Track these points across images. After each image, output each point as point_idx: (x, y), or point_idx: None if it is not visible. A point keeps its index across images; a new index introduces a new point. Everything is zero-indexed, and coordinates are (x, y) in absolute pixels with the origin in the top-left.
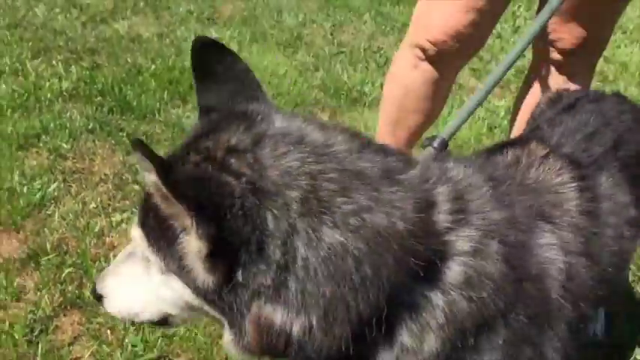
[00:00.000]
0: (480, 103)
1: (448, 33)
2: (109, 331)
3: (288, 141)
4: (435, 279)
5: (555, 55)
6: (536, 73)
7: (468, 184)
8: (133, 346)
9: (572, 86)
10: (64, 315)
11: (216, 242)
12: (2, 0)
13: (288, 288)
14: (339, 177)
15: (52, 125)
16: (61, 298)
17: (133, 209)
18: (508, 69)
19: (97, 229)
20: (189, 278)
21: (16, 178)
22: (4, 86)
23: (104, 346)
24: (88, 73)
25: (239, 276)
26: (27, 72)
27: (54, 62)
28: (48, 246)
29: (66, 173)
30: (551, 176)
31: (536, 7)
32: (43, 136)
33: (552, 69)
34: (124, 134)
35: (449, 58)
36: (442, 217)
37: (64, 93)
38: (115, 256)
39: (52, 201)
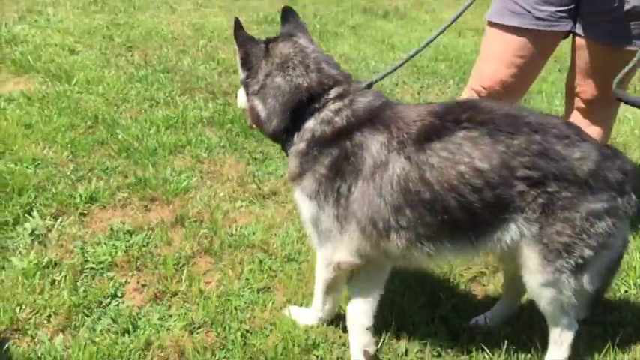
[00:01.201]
0: (406, 61)
1: (495, 81)
2: (230, 270)
3: (291, 43)
4: (315, 111)
5: (580, 104)
6: (567, 119)
7: (363, 96)
8: (247, 279)
9: (595, 129)
10: (200, 257)
11: (243, 61)
12: (159, 52)
13: (262, 94)
14: (302, 62)
15: (194, 140)
16: (198, 247)
17: (251, 199)
18: (432, 40)
19: (224, 209)
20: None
21: (168, 171)
22: (160, 112)
23: (226, 276)
24: (221, 107)
25: (247, 80)
26: (176, 103)
27: (196, 98)
28: (190, 214)
29: (203, 172)
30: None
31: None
32: (188, 147)
33: (578, 115)
34: (247, 152)
35: (497, 99)
36: (333, 92)
37: (204, 119)
38: (239, 228)
39: (193, 189)
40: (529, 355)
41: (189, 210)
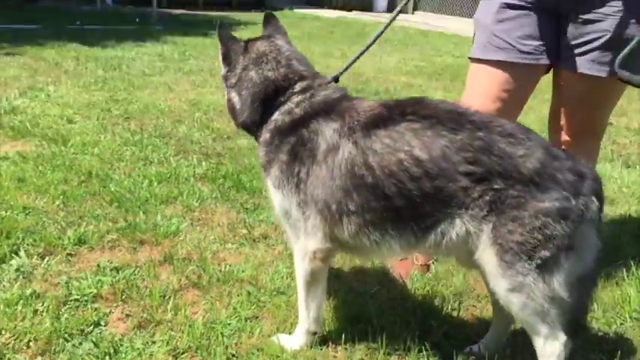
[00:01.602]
0: (360, 55)
1: None
2: (217, 301)
3: (268, 42)
4: (281, 105)
5: (565, 137)
6: None
7: (323, 90)
8: (234, 308)
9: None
10: (187, 290)
11: (224, 56)
12: (155, 121)
13: (239, 86)
14: (275, 58)
15: (186, 192)
16: (186, 281)
17: (242, 241)
18: (378, 37)
19: (214, 249)
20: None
21: (159, 218)
22: (153, 168)
23: (213, 306)
24: (214, 165)
25: (226, 74)
26: (170, 162)
27: (190, 158)
28: (179, 254)
29: (194, 219)
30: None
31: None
32: (180, 197)
33: (563, 148)
34: (238, 202)
35: None
36: (297, 86)
37: (196, 175)
38: (228, 266)
39: (183, 232)
40: None
41: (179, 250)
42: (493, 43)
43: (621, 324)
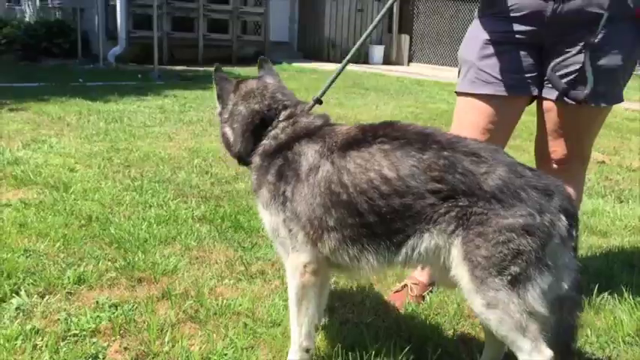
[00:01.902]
0: (338, 74)
1: None
2: (214, 334)
3: (257, 80)
4: (268, 132)
5: (552, 165)
6: None
7: (306, 117)
8: (231, 339)
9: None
10: (184, 323)
11: (218, 96)
12: (155, 169)
13: (230, 120)
14: (261, 93)
15: (184, 232)
16: (184, 315)
17: (239, 277)
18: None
19: (211, 285)
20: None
21: (158, 257)
22: (152, 211)
23: (210, 338)
24: (213, 207)
25: (221, 111)
26: (169, 206)
27: (188, 201)
28: (177, 290)
29: (192, 258)
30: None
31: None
32: (178, 237)
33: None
34: (236, 242)
35: None
36: (282, 115)
37: (195, 217)
38: (225, 300)
39: (181, 270)
40: None
41: (177, 286)
42: (480, 78)
43: (614, 348)
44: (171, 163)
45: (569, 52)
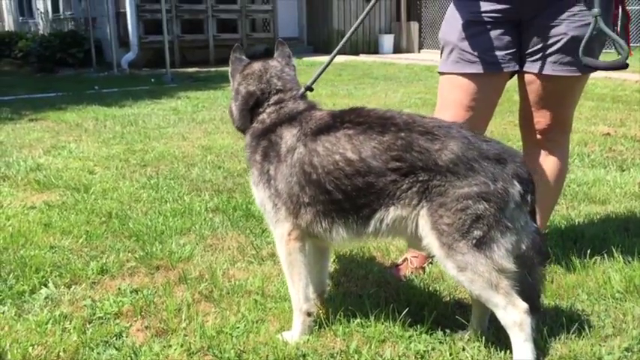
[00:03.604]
0: (328, 65)
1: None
2: (227, 311)
3: (262, 62)
4: (259, 114)
5: (537, 136)
6: (525, 151)
7: (293, 103)
8: (243, 314)
9: (553, 158)
10: (200, 303)
11: (230, 74)
12: (170, 166)
13: (235, 98)
14: (260, 75)
15: (199, 223)
16: (199, 296)
17: (250, 260)
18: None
19: (224, 268)
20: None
21: (174, 246)
22: (167, 206)
23: (224, 313)
24: (226, 199)
25: (231, 87)
26: (183, 200)
27: (202, 195)
28: (192, 274)
29: (206, 246)
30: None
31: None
32: (193, 228)
33: (536, 147)
34: (247, 229)
35: None
36: (272, 99)
37: (208, 208)
38: (237, 281)
39: (196, 257)
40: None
41: (192, 271)
42: (463, 58)
43: (604, 303)
44: (185, 161)
45: (548, 24)
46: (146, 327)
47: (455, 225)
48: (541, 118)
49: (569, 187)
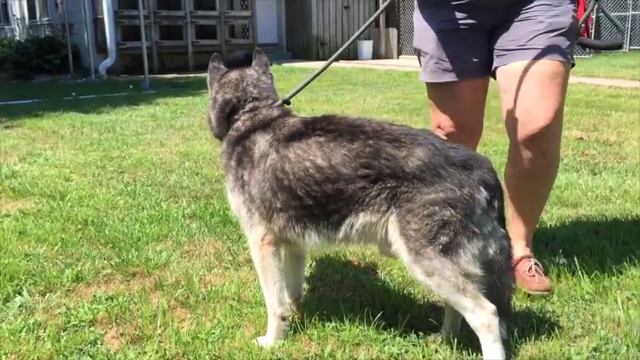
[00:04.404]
0: (314, 78)
1: (450, 125)
2: (203, 317)
3: (239, 71)
4: (235, 121)
5: (528, 133)
6: (513, 153)
7: (267, 110)
8: (218, 320)
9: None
10: (176, 309)
11: (209, 82)
12: (147, 173)
13: (212, 106)
14: (236, 84)
15: (176, 230)
16: (175, 302)
17: (227, 266)
18: (338, 54)
19: (200, 274)
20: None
21: (150, 253)
22: (144, 213)
23: (199, 320)
24: (203, 205)
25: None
26: (161, 206)
27: (179, 201)
28: (168, 280)
29: (183, 252)
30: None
31: None
32: (170, 234)
33: (528, 147)
34: (225, 235)
35: (456, 138)
36: (247, 107)
37: (186, 215)
38: (213, 287)
39: (172, 263)
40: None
41: (168, 278)
42: (440, 67)
43: (573, 304)
44: (163, 167)
45: (522, 19)
46: (121, 334)
47: (422, 231)
48: (536, 111)
49: None
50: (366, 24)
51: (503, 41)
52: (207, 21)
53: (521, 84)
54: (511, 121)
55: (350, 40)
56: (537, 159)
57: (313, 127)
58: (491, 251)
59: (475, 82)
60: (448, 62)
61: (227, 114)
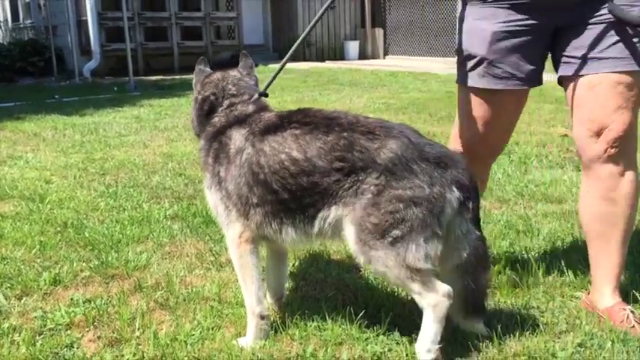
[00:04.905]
0: (281, 68)
1: (475, 143)
2: (183, 318)
3: (222, 72)
4: (212, 119)
5: (607, 147)
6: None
7: (243, 106)
8: (198, 321)
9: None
10: (155, 311)
11: (194, 83)
12: (129, 174)
13: (193, 105)
14: (216, 83)
15: (157, 231)
16: (154, 304)
17: (209, 267)
18: (299, 44)
19: (181, 275)
20: None
21: (130, 254)
22: (125, 214)
23: (179, 321)
24: (186, 206)
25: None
26: (142, 208)
27: (162, 202)
28: (148, 282)
29: (164, 253)
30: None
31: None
32: (151, 235)
33: (606, 162)
34: (207, 235)
35: (477, 157)
36: (225, 103)
37: (167, 216)
38: (194, 288)
39: (153, 265)
40: None
41: (148, 280)
42: (491, 73)
43: (558, 300)
44: (145, 169)
45: (591, 23)
46: (98, 337)
47: (380, 225)
48: (613, 125)
49: (527, 187)
50: (320, 14)
51: (574, 46)
52: (193, 22)
53: (598, 97)
54: (584, 138)
55: (307, 29)
56: (615, 176)
57: (289, 120)
58: (464, 254)
59: (522, 93)
60: (501, 68)
61: (206, 112)
